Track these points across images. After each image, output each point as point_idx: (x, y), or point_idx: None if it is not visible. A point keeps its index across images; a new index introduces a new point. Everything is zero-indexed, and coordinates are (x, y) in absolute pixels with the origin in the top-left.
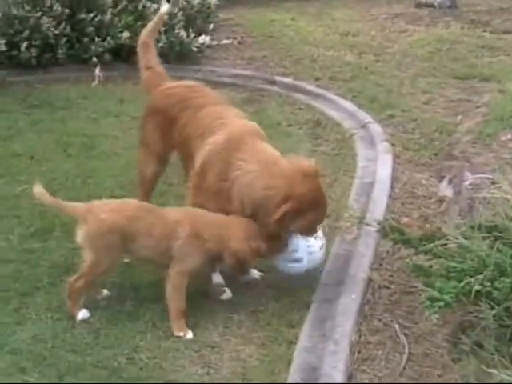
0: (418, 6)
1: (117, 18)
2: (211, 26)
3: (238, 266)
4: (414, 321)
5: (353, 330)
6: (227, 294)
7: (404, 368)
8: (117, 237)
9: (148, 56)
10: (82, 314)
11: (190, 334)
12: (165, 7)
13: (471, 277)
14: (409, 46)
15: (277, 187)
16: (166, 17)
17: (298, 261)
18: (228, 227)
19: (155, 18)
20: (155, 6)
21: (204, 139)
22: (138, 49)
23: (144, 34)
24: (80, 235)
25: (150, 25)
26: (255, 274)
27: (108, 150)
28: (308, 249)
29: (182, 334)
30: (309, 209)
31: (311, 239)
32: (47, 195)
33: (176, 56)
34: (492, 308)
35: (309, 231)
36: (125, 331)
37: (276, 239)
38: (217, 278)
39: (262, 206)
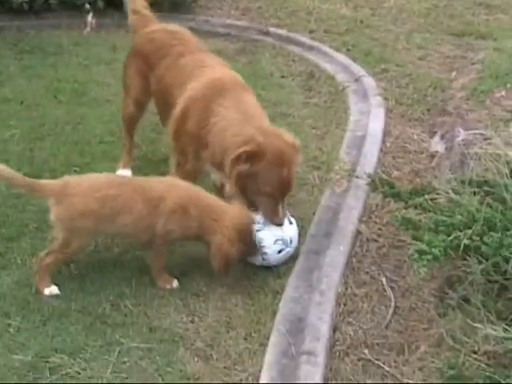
0: None
1: None
2: None
3: (220, 259)
4: (401, 275)
5: (339, 281)
6: None
7: (390, 321)
8: (90, 220)
9: (135, 0)
10: (49, 290)
11: (175, 283)
12: None
13: (460, 231)
14: (405, 1)
15: (245, 134)
16: None
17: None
18: (223, 218)
19: None
20: None
21: (185, 87)
22: None
23: None
24: (52, 214)
25: None
26: None
27: (99, 96)
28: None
29: (168, 286)
30: (269, 166)
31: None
32: (13, 173)
33: (170, 5)
34: (480, 263)
35: (268, 204)
36: (110, 278)
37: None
38: None
39: (228, 151)
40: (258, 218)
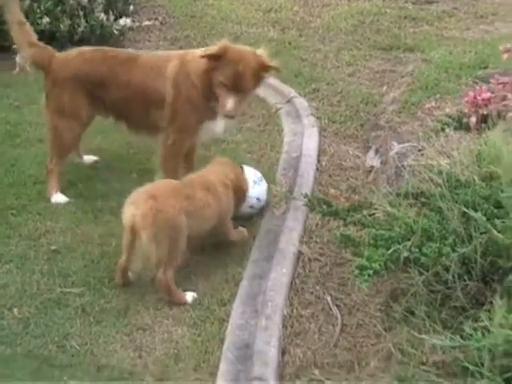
0: None
1: (36, 4)
2: (131, 7)
3: None
4: (346, 292)
5: (285, 304)
6: None
7: (338, 339)
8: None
9: (27, 33)
10: (191, 295)
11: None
12: None
13: (399, 244)
14: (332, 19)
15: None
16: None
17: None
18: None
19: None
20: None
21: (160, 76)
22: (14, 28)
23: (14, 12)
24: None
25: (14, 2)
26: None
27: (32, 137)
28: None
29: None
30: (227, 62)
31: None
32: None
33: (97, 39)
34: (421, 274)
35: (222, 95)
36: (54, 319)
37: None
38: None
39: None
40: None
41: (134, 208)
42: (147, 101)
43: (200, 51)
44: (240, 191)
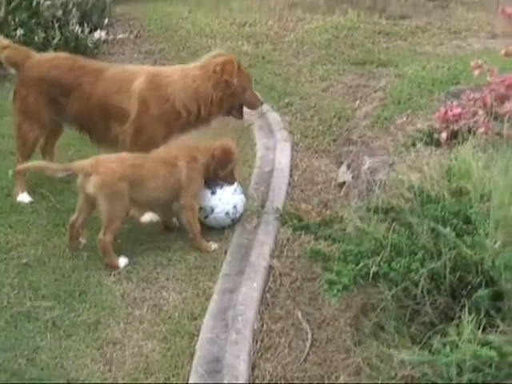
0: None
1: (11, 16)
2: (106, 20)
3: None
4: (316, 307)
5: (255, 318)
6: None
7: (308, 354)
8: (126, 184)
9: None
10: (123, 261)
11: (214, 245)
12: None
13: (368, 259)
14: (306, 34)
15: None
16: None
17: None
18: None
19: None
20: (49, 2)
21: (123, 91)
22: None
23: None
24: (90, 187)
25: None
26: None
27: (4, 149)
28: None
29: (211, 248)
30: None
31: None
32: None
33: (72, 52)
34: (390, 289)
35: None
36: (24, 332)
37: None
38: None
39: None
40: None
41: (82, 172)
42: (108, 115)
43: (167, 68)
44: (219, 163)
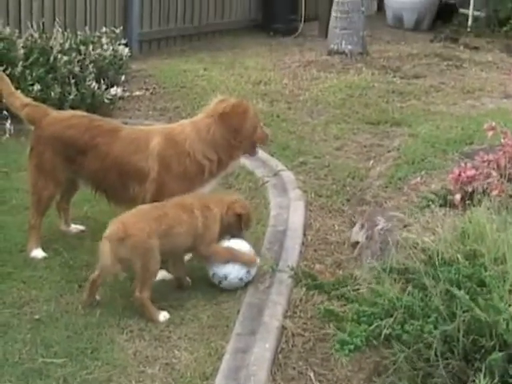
0: (330, 53)
1: (28, 71)
2: (123, 77)
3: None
4: (329, 368)
5: (267, 379)
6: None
7: None
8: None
9: (19, 98)
10: (163, 315)
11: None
12: None
13: (381, 320)
14: (320, 93)
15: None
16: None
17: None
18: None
19: None
20: (66, 58)
21: (141, 151)
22: (6, 98)
23: (4, 88)
24: (122, 252)
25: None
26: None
27: (19, 204)
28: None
29: None
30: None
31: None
32: None
33: (88, 108)
34: (403, 351)
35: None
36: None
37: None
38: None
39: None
40: None
41: (106, 237)
42: (126, 174)
43: (173, 125)
44: (235, 218)
